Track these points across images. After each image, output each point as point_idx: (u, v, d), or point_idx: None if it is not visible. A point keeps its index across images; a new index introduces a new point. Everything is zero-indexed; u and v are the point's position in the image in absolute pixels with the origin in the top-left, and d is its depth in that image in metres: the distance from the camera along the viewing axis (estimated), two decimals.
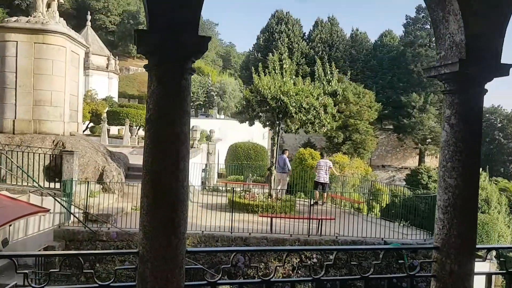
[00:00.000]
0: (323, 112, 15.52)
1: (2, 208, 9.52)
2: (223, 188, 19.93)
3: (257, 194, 16.06)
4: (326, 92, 16.12)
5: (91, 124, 45.46)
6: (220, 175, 35.51)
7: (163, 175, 2.97)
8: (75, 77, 17.80)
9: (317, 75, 16.54)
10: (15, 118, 15.60)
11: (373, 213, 26.09)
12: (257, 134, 48.57)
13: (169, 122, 2.94)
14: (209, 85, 60.32)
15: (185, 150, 3.03)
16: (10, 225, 9.59)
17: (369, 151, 55.39)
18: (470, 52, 3.29)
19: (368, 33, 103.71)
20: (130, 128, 41.07)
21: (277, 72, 16.21)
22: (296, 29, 69.99)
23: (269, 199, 15.74)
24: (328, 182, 17.94)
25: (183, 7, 2.89)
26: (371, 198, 27.71)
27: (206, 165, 23.40)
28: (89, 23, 65.62)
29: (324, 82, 16.31)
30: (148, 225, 2.97)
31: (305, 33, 73.71)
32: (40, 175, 14.19)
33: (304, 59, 65.80)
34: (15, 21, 15.90)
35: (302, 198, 19.25)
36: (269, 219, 13.14)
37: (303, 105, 14.98)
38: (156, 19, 2.92)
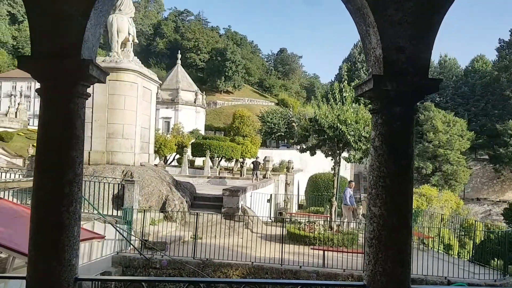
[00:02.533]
0: None
1: None
2: (289, 220, 19.60)
3: (316, 226, 15.55)
4: None
5: (178, 156, 47.72)
6: (300, 206, 35.11)
7: (46, 200, 2.95)
8: (147, 111, 18.91)
9: None
10: (90, 150, 16.86)
11: (465, 250, 24.01)
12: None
13: (54, 146, 2.95)
14: (290, 116, 60.74)
15: (71, 175, 3.01)
16: None
17: (461, 183, 51.59)
18: (388, 67, 2.88)
19: (458, 59, 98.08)
20: (211, 159, 42.45)
21: (337, 100, 15.86)
22: None
23: (329, 231, 15.16)
24: None
25: (64, 33, 2.93)
26: (463, 234, 25.59)
27: (271, 195, 23.29)
28: (179, 61, 69.81)
29: None
30: (32, 250, 2.95)
31: None
32: (108, 204, 15.05)
33: None
34: None
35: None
36: (324, 252, 12.61)
37: (363, 134, 14.42)
38: (38, 45, 3.00)
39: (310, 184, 34.99)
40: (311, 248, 13.23)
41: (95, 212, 14.16)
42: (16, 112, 63.71)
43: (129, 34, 18.46)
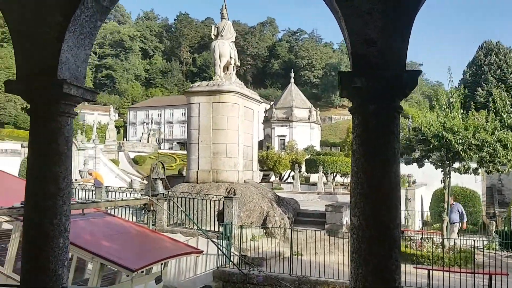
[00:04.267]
0: (501, 148, 13.20)
1: (160, 248, 10.91)
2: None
3: (426, 243, 14.38)
4: (507, 125, 13.73)
5: (293, 173, 48.17)
6: (425, 223, 33.01)
7: (31, 213, 3.16)
8: (249, 130, 19.49)
9: (492, 107, 14.25)
10: (198, 169, 17.85)
11: None
12: (467, 178, 43.81)
13: (38, 162, 3.13)
14: (409, 127, 57.68)
15: (54, 189, 3.15)
16: (162, 264, 10.85)
17: None
18: (358, 62, 2.51)
19: None
20: (325, 174, 42.06)
21: (443, 107, 14.66)
22: (510, 59, 62.06)
23: (440, 249, 13.91)
24: None
25: (41, 55, 3.14)
26: None
27: None
28: (292, 80, 70.97)
29: (503, 114, 13.95)
30: (22, 261, 3.26)
31: None
32: (210, 220, 15.70)
33: None
34: (197, 86, 18.61)
35: (493, 248, 16.30)
36: (429, 271, 11.59)
37: (473, 142, 13.06)
38: (20, 68, 3.29)
39: (434, 199, 32.64)
40: (413, 267, 12.24)
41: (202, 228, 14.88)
42: (148, 138, 70.41)
43: (230, 57, 19.34)
